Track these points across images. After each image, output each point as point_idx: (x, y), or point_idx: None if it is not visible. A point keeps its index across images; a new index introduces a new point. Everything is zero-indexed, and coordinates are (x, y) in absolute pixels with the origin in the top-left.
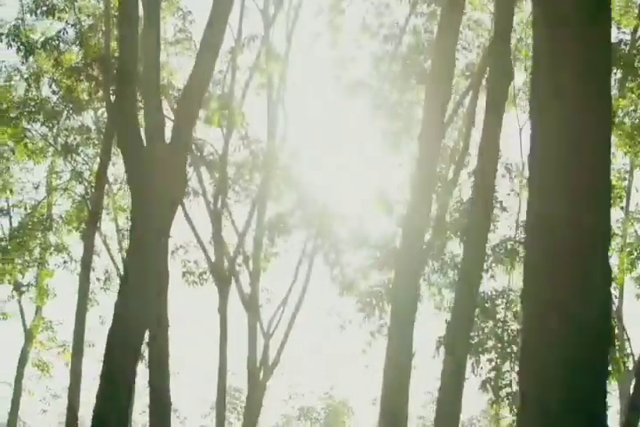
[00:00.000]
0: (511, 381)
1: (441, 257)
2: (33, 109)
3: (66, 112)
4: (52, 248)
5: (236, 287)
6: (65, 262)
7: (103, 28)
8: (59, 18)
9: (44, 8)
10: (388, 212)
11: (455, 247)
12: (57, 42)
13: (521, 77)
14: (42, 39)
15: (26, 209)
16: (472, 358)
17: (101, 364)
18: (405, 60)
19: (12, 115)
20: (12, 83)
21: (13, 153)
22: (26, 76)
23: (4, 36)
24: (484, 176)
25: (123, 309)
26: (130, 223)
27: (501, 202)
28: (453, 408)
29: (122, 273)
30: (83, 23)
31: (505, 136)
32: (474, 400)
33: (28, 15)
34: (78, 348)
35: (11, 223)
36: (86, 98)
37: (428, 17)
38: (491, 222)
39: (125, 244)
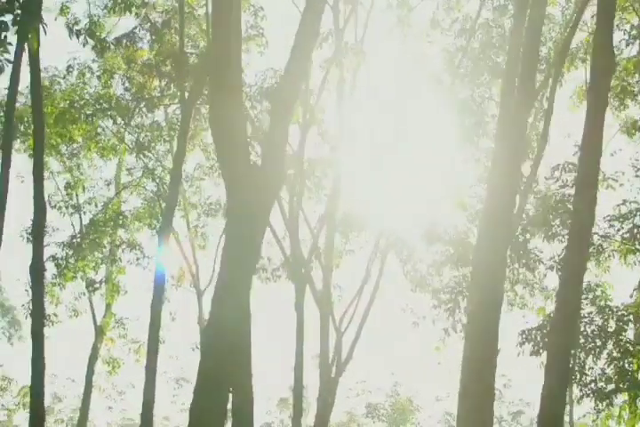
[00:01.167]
0: (596, 377)
1: (526, 252)
2: (106, 106)
3: (138, 109)
4: (125, 245)
5: (308, 284)
6: (137, 259)
7: (177, 25)
8: (136, 14)
9: (122, 4)
10: (461, 208)
11: (538, 242)
12: (132, 39)
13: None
14: (114, 36)
15: (96, 206)
16: None
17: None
18: (479, 54)
19: (87, 112)
20: (85, 80)
21: (89, 149)
22: (98, 73)
23: (81, 33)
24: (588, 172)
25: (219, 307)
26: (202, 220)
27: None
28: (559, 408)
29: (194, 270)
30: (153, 20)
31: (577, 132)
32: None
33: (99, 11)
34: (153, 345)
35: (81, 220)
36: (158, 95)
37: (500, 11)
38: (595, 218)
39: (197, 241)
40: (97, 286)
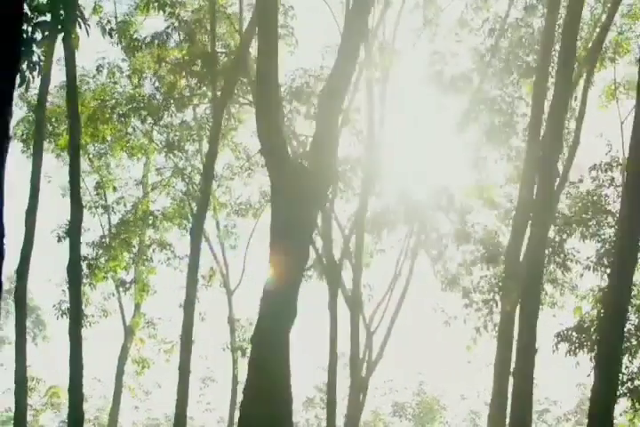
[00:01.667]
0: (632, 376)
1: (562, 252)
2: (139, 106)
3: (167, 109)
4: (155, 245)
5: (339, 284)
6: (168, 259)
7: (207, 25)
8: (169, 13)
9: (156, 3)
10: (491, 206)
11: (574, 242)
12: (165, 38)
13: (621, 70)
14: (141, 35)
15: (125, 206)
16: (590, 353)
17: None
18: (509, 54)
19: (120, 111)
20: (115, 79)
21: (121, 149)
22: (128, 73)
23: (114, 33)
24: (637, 171)
25: (269, 306)
26: (232, 220)
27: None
28: (608, 409)
29: (224, 270)
30: (183, 19)
31: (606, 129)
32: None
33: (128, 10)
34: (186, 345)
35: (109, 220)
36: (187, 94)
37: (529, 11)
38: None
39: (227, 241)
40: (128, 286)
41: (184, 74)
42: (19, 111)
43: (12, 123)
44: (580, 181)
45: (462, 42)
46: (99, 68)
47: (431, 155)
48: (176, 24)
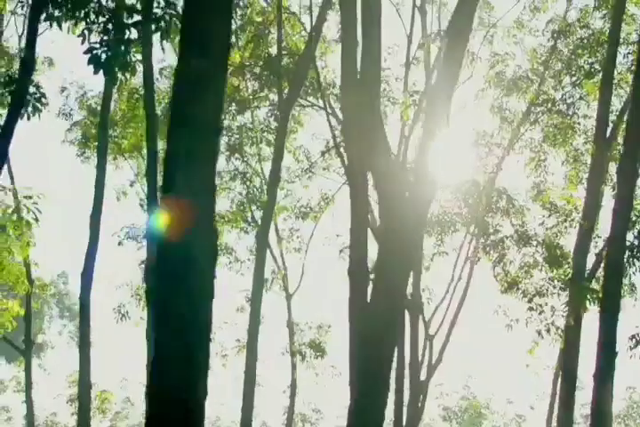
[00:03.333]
0: None
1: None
2: None
3: (229, 112)
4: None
5: None
6: (230, 263)
7: (273, 27)
8: (240, 15)
9: None
10: (553, 208)
11: None
12: (234, 40)
13: None
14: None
15: None
16: None
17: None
18: (570, 55)
19: None
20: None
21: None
22: None
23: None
24: None
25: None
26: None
27: None
28: None
29: (285, 273)
30: (249, 20)
31: None
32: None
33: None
34: (252, 350)
35: None
36: (250, 97)
37: (588, 12)
38: None
39: (286, 245)
40: None
41: (248, 76)
42: (75, 115)
43: (66, 126)
44: None
45: (520, 43)
46: (161, 72)
47: (491, 155)
48: (240, 25)
